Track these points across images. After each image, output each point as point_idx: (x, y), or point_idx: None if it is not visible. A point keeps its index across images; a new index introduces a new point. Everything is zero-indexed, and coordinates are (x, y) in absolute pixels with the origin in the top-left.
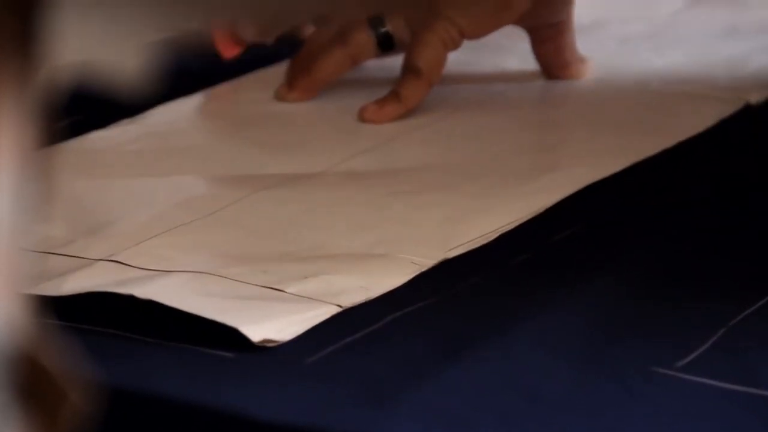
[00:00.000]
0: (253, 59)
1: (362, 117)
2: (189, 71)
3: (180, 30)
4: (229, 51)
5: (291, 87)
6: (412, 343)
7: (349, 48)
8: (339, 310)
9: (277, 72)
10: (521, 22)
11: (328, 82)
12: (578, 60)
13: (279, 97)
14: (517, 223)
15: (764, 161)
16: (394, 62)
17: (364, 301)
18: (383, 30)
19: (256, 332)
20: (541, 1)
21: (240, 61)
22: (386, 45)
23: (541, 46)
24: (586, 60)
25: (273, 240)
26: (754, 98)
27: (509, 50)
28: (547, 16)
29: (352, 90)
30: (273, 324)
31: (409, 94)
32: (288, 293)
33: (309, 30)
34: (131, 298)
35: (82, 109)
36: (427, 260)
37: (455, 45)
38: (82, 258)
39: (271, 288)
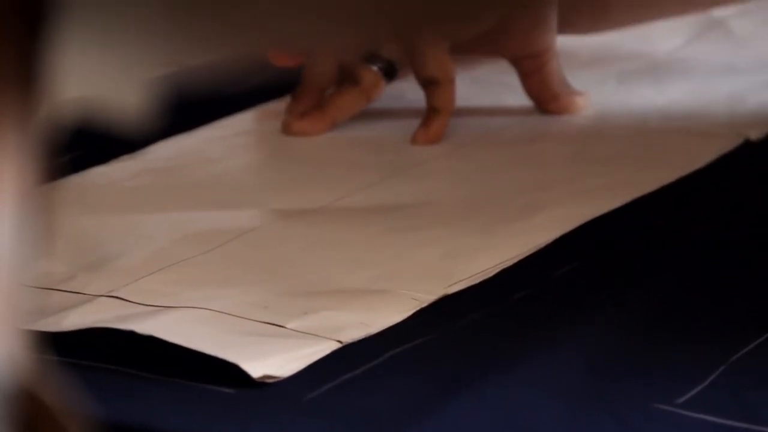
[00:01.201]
0: (253, 94)
1: (416, 142)
2: (190, 106)
3: (182, 65)
4: (283, 61)
5: (301, 119)
6: (412, 380)
7: (362, 86)
8: (339, 345)
9: (277, 107)
10: (502, 53)
11: (341, 120)
12: (569, 92)
13: (286, 129)
14: (516, 260)
15: (764, 197)
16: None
17: (364, 337)
18: (385, 60)
19: (256, 368)
20: (518, 30)
21: (239, 96)
22: (392, 74)
23: (527, 78)
24: (579, 93)
25: (273, 276)
26: (754, 134)
27: (508, 86)
28: (526, 45)
29: (347, 124)
30: (273, 360)
31: (443, 103)
32: (288, 329)
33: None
34: (132, 334)
35: (83, 145)
36: (427, 296)
37: (450, 45)
38: (83, 294)
39: (272, 324)
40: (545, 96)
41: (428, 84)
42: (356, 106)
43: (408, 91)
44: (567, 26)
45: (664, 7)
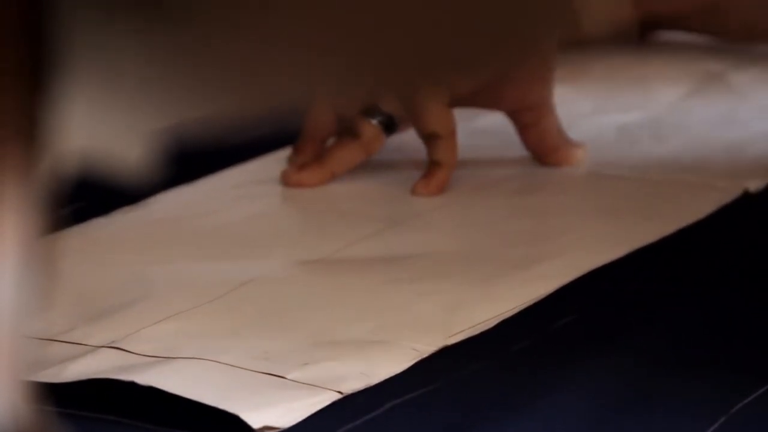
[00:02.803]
0: (254, 145)
1: (417, 194)
2: (192, 158)
3: (183, 117)
4: None
5: (300, 171)
6: (413, 430)
7: (361, 140)
8: (339, 396)
9: (278, 158)
10: (500, 106)
11: (340, 173)
12: (567, 145)
13: (286, 180)
14: (516, 311)
15: (763, 248)
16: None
17: (364, 388)
18: (385, 114)
19: (257, 419)
20: (515, 83)
21: (240, 147)
22: (391, 128)
23: (524, 131)
24: (578, 145)
25: (273, 326)
26: (753, 186)
27: (507, 137)
28: (524, 98)
29: (347, 175)
30: (274, 410)
31: (446, 157)
32: (289, 379)
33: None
34: (132, 385)
35: (86, 196)
36: (427, 347)
37: (449, 98)
38: (84, 345)
39: (272, 374)
40: (543, 148)
41: (429, 138)
42: (356, 160)
43: (408, 142)
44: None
45: None
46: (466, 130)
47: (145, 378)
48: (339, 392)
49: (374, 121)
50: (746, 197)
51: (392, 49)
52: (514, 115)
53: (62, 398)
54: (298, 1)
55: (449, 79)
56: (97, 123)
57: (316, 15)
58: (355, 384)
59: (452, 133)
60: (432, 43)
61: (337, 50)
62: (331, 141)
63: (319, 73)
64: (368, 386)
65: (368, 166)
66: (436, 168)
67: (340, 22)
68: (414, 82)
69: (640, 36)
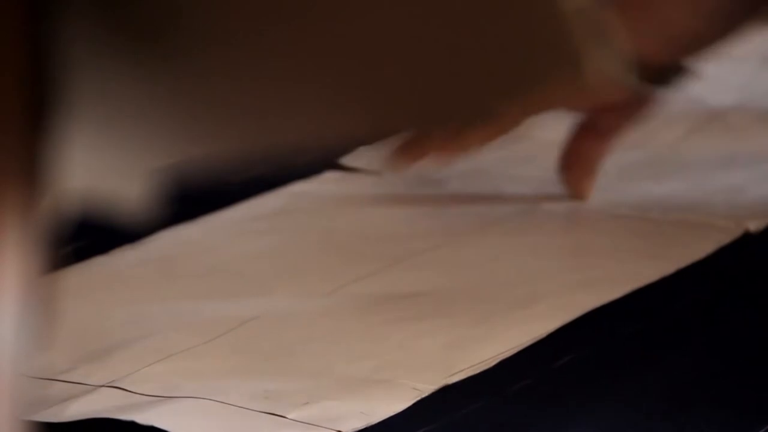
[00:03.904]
0: (254, 184)
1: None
2: (192, 197)
3: (184, 156)
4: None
5: (422, 153)
6: None
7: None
8: None
9: (278, 196)
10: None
11: (472, 150)
12: (590, 174)
13: (395, 164)
14: (516, 350)
15: (763, 289)
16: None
17: (364, 427)
18: None
19: None
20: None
21: (241, 186)
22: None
23: (585, 131)
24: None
25: (274, 365)
26: (753, 226)
27: (508, 176)
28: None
29: (348, 211)
30: None
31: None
32: (289, 419)
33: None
34: (133, 425)
35: (86, 236)
36: (427, 386)
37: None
38: (84, 384)
39: (273, 414)
40: (580, 157)
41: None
42: (492, 137)
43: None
44: None
45: None
46: (467, 169)
47: (145, 417)
48: (339, 431)
49: None
50: (747, 237)
51: (390, 92)
52: (594, 112)
53: None
54: (298, 42)
55: (448, 123)
56: (97, 162)
57: (315, 55)
58: (355, 423)
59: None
60: (432, 87)
61: (337, 91)
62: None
63: (319, 113)
64: (369, 425)
65: (367, 202)
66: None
67: (341, 62)
68: (411, 124)
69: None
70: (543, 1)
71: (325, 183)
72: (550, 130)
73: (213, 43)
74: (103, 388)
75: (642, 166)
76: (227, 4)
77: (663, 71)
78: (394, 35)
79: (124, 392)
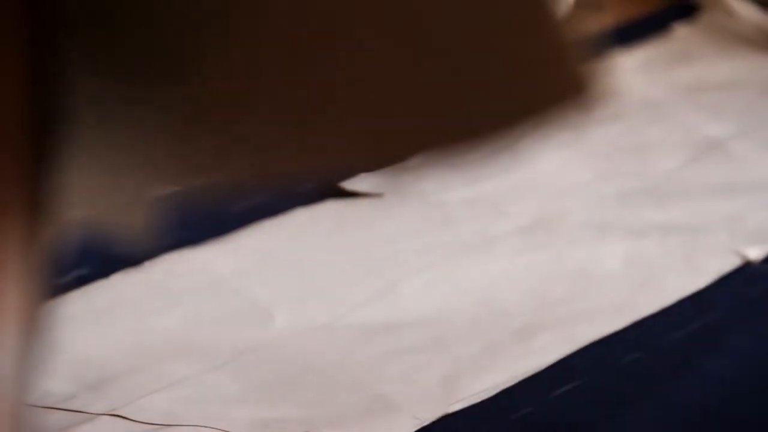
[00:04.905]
0: (257, 210)
1: None
2: (193, 224)
3: (185, 183)
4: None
5: None
6: None
7: None
8: None
9: (279, 224)
10: None
11: None
12: None
13: None
14: (517, 380)
15: (764, 319)
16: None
17: None
18: None
19: None
20: None
21: (243, 212)
22: None
23: None
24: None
25: (274, 394)
26: (754, 255)
27: (508, 199)
28: None
29: (346, 236)
30: None
31: None
32: None
33: None
34: None
35: (87, 264)
36: (427, 415)
37: None
38: (85, 413)
39: None
40: None
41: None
42: None
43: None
44: None
45: None
46: (465, 197)
47: None
48: None
49: None
50: (747, 266)
51: (391, 120)
52: None
53: None
54: (299, 71)
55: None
56: (99, 190)
57: (317, 84)
58: None
59: None
60: (434, 113)
61: (336, 122)
62: None
63: (320, 143)
64: None
65: (366, 224)
66: None
67: (343, 92)
68: (414, 152)
69: None
70: (544, 32)
71: (326, 208)
72: (548, 160)
73: (214, 73)
74: (103, 416)
75: (642, 194)
76: (228, 34)
77: None
78: (395, 64)
79: (125, 420)
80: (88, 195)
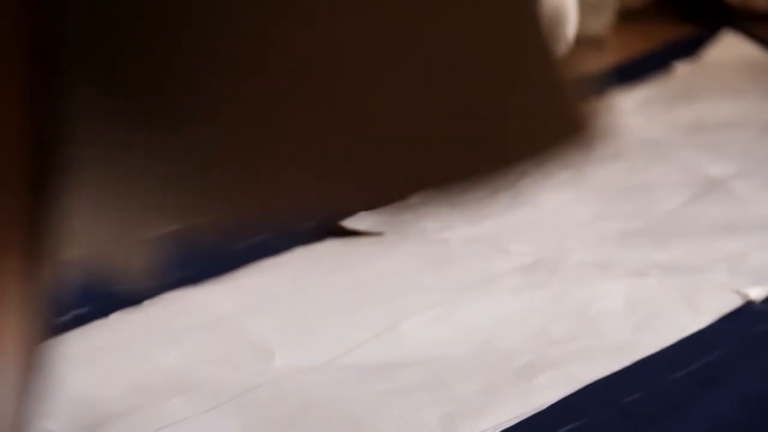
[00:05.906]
0: (258, 248)
1: None
2: (194, 262)
3: (186, 222)
4: None
5: None
6: None
7: None
8: None
9: (277, 263)
10: None
11: None
12: None
13: None
14: (516, 420)
15: (765, 357)
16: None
17: None
18: None
19: None
20: None
21: (244, 251)
22: None
23: None
24: None
25: None
26: (755, 294)
27: (508, 232)
28: None
29: (346, 272)
30: None
31: None
32: None
33: None
34: None
35: (87, 303)
36: None
37: None
38: None
39: None
40: None
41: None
42: None
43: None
44: None
45: None
46: (467, 232)
47: None
48: None
49: None
50: (748, 306)
51: (390, 163)
52: None
53: None
54: (300, 108)
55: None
56: (98, 229)
57: (317, 122)
58: None
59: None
60: (435, 152)
61: (337, 161)
62: None
63: (322, 181)
64: None
65: (367, 262)
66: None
67: (343, 130)
68: (415, 191)
69: None
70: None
71: (327, 247)
72: (548, 199)
73: (214, 111)
74: None
75: (643, 233)
76: (225, 72)
77: None
78: (395, 102)
79: None
80: (88, 234)
